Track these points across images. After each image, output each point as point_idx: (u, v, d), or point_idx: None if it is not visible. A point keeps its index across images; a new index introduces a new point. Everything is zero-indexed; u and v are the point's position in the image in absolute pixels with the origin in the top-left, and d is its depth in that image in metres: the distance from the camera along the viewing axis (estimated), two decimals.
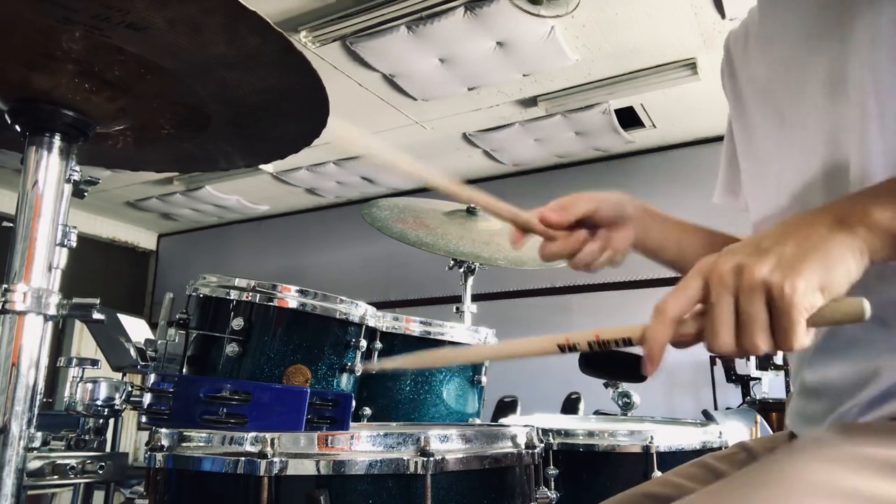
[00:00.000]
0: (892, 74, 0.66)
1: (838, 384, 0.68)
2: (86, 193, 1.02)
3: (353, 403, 1.10)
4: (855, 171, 0.67)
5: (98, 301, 0.93)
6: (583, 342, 0.58)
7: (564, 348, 0.59)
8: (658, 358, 0.55)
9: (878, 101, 0.66)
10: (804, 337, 0.52)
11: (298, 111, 0.98)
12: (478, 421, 1.59)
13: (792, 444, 0.66)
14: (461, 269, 2.09)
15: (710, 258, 0.56)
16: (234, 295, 1.27)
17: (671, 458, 1.33)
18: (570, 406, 2.93)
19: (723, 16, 2.92)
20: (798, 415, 0.78)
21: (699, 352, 0.56)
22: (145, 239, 6.79)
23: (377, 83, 3.60)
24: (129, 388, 1.01)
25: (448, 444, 0.88)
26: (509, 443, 0.97)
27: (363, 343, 1.37)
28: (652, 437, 1.32)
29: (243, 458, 0.82)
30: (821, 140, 0.72)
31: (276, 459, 0.81)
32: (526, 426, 1.03)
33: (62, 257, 0.95)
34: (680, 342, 0.56)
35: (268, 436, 0.83)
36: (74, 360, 1.14)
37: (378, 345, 1.46)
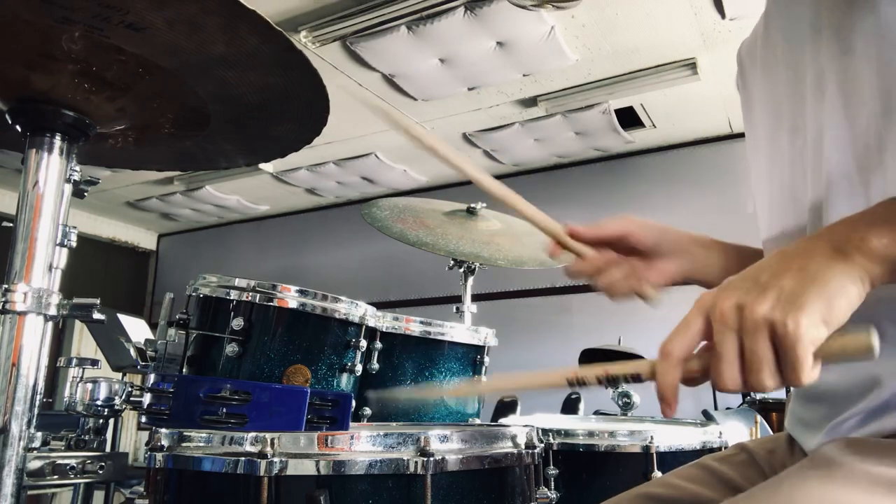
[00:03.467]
0: (865, 81, 0.66)
1: (837, 391, 0.68)
2: (86, 193, 1.02)
3: (353, 403, 1.10)
4: (832, 175, 0.68)
5: (98, 301, 0.93)
6: (591, 377, 0.59)
7: (573, 382, 0.60)
8: (673, 399, 0.55)
9: (850, 105, 0.67)
10: (811, 372, 0.51)
11: (299, 110, 0.98)
12: (478, 421, 1.59)
13: (802, 464, 0.66)
14: (461, 269, 2.09)
15: (711, 294, 0.56)
16: (234, 295, 1.27)
17: (671, 458, 1.33)
18: (570, 406, 2.93)
19: (723, 16, 2.91)
20: (797, 420, 0.78)
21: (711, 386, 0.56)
22: (145, 239, 6.79)
23: (377, 83, 3.60)
24: (129, 388, 1.01)
25: (448, 444, 0.88)
26: (509, 443, 0.97)
27: (363, 343, 1.37)
28: (652, 437, 1.32)
29: (243, 458, 0.82)
30: (810, 144, 0.72)
31: (276, 459, 0.81)
32: (526, 426, 1.03)
33: (62, 257, 0.95)
34: (688, 380, 0.56)
35: (268, 436, 0.82)
36: (74, 360, 1.15)
37: (378, 345, 1.46)
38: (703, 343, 0.56)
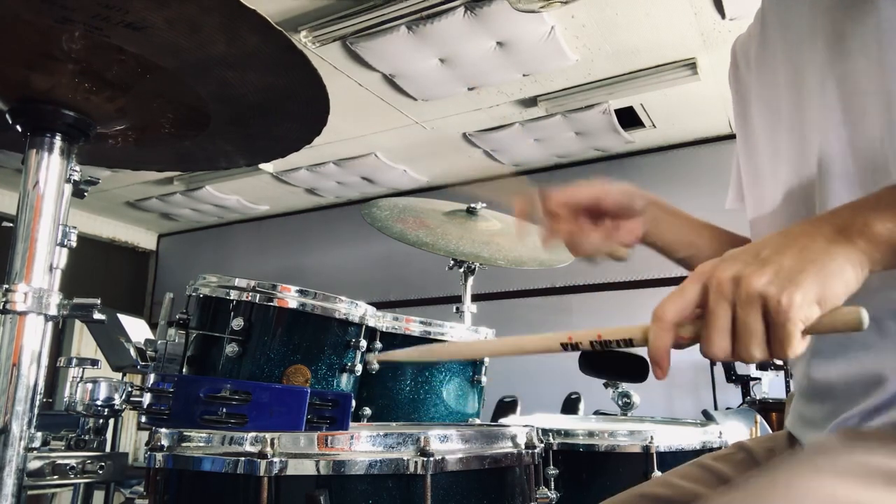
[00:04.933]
0: (868, 77, 0.66)
1: (841, 388, 0.68)
2: (86, 193, 1.02)
3: (353, 403, 1.10)
4: (833, 175, 0.68)
5: (98, 301, 0.93)
6: (585, 341, 0.60)
7: (567, 346, 0.60)
8: (665, 362, 0.55)
9: (850, 107, 0.68)
10: (799, 346, 0.52)
11: (299, 110, 0.98)
12: (478, 421, 1.59)
13: (798, 453, 0.66)
14: (461, 269, 2.09)
15: (710, 264, 0.56)
16: (234, 295, 1.27)
17: (671, 458, 1.33)
18: (570, 406, 2.93)
19: (723, 16, 2.91)
20: (799, 418, 0.78)
21: (699, 352, 0.57)
22: (145, 239, 6.79)
23: (377, 83, 3.60)
24: (129, 388, 1.01)
25: (448, 444, 0.88)
26: (509, 443, 0.97)
27: (363, 343, 1.37)
28: (652, 437, 1.32)
29: (243, 458, 0.82)
30: (810, 144, 0.73)
31: (276, 459, 0.81)
32: (526, 426, 1.03)
33: (62, 257, 0.95)
34: (677, 344, 0.57)
35: (268, 436, 0.82)
36: (74, 360, 1.14)
37: (378, 345, 1.46)
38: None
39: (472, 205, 2.03)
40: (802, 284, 0.52)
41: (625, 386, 1.92)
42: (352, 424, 1.08)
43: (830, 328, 0.53)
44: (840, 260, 0.53)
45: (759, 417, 2.33)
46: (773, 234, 0.58)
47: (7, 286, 0.88)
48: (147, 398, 0.97)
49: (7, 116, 0.94)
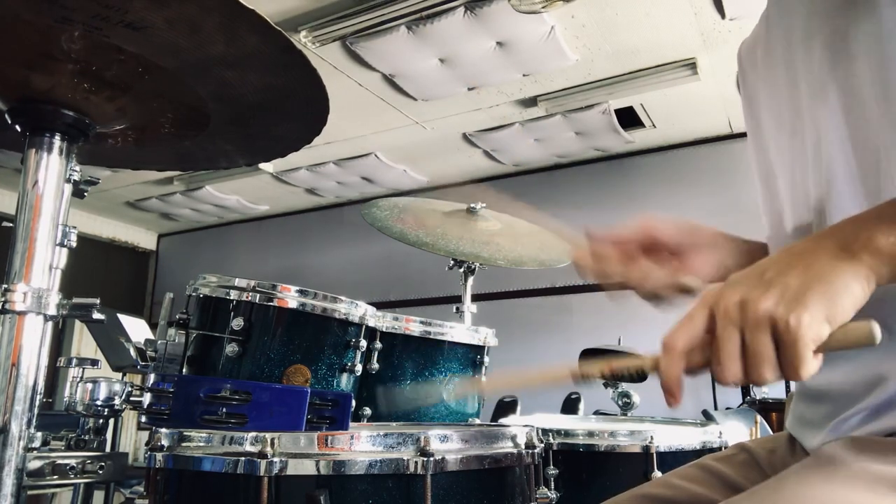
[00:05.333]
0: (869, 78, 0.66)
1: (841, 389, 0.68)
2: (86, 193, 1.02)
3: (353, 403, 1.10)
4: (835, 177, 0.68)
5: (98, 301, 0.93)
6: (596, 372, 0.61)
7: (578, 378, 0.61)
8: (678, 391, 0.55)
9: (852, 110, 0.67)
10: (812, 367, 0.51)
11: (299, 109, 0.98)
12: (478, 421, 1.59)
13: (805, 461, 0.65)
14: (461, 269, 2.09)
15: (716, 289, 0.56)
16: (234, 295, 1.27)
17: (671, 458, 1.33)
18: (570, 406, 2.93)
19: (723, 16, 2.91)
20: (798, 418, 0.78)
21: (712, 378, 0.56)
22: (145, 239, 6.78)
23: (377, 83, 3.60)
24: (129, 388, 1.01)
25: (448, 444, 0.88)
26: (509, 443, 0.97)
27: (363, 343, 1.37)
28: (652, 437, 1.32)
29: (243, 458, 0.82)
30: (809, 146, 0.72)
31: (276, 459, 0.81)
32: (526, 426, 1.03)
33: (62, 257, 0.95)
34: (689, 371, 0.56)
35: (268, 436, 0.82)
36: (74, 360, 1.15)
37: (378, 345, 1.46)
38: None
39: (472, 205, 2.03)
40: (809, 304, 0.51)
41: (625, 386, 1.92)
42: (352, 424, 1.08)
43: (843, 345, 0.52)
44: (846, 276, 0.53)
45: (759, 417, 2.33)
46: (776, 253, 0.58)
47: (6, 286, 0.88)
48: (147, 398, 0.97)
49: (7, 116, 0.94)
